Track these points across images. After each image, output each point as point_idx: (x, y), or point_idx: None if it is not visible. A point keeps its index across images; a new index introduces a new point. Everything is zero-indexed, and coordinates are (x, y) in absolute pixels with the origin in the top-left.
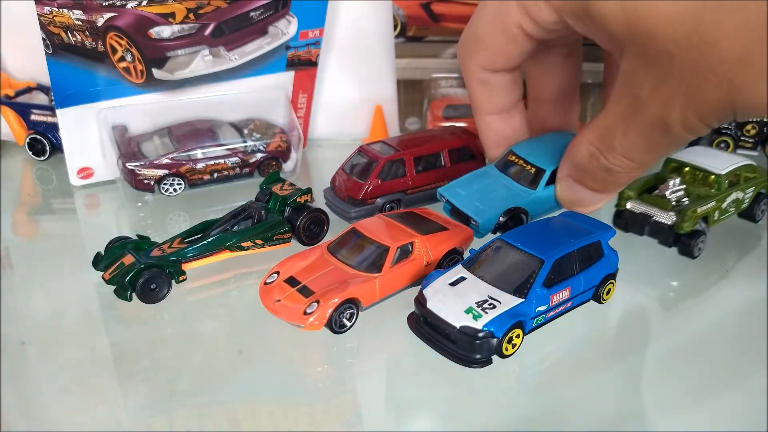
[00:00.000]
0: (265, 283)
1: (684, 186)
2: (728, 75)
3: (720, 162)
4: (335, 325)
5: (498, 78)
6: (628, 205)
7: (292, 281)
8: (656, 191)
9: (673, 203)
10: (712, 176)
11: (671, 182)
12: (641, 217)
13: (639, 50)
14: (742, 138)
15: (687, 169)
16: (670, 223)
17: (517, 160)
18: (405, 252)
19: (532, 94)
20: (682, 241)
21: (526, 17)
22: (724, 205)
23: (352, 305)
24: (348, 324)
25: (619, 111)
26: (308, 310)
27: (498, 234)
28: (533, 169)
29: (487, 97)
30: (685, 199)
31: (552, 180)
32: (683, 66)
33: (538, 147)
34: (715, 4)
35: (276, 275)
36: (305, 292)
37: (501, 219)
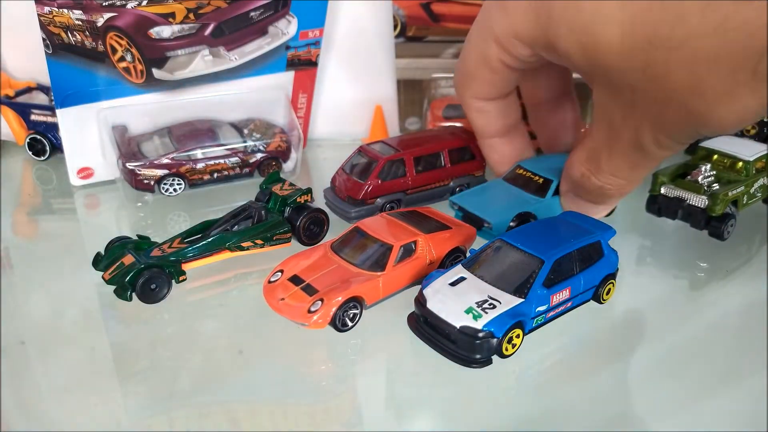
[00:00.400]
0: (269, 282)
1: (714, 172)
2: (684, 103)
3: (747, 149)
4: (339, 324)
5: (493, 105)
6: (663, 190)
7: (295, 279)
8: (689, 177)
9: (705, 188)
10: (740, 162)
11: (703, 168)
12: (675, 201)
13: (604, 82)
14: (742, 138)
15: (715, 156)
16: (703, 206)
17: (525, 173)
18: (408, 251)
19: (527, 100)
20: (713, 224)
21: (505, 53)
22: (752, 190)
23: (355, 303)
24: (350, 323)
25: (600, 136)
26: (312, 309)
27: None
28: (541, 179)
29: (486, 123)
30: (716, 184)
31: (558, 190)
32: (644, 95)
33: (544, 162)
34: (661, 40)
35: (280, 273)
36: (309, 290)
37: (511, 224)
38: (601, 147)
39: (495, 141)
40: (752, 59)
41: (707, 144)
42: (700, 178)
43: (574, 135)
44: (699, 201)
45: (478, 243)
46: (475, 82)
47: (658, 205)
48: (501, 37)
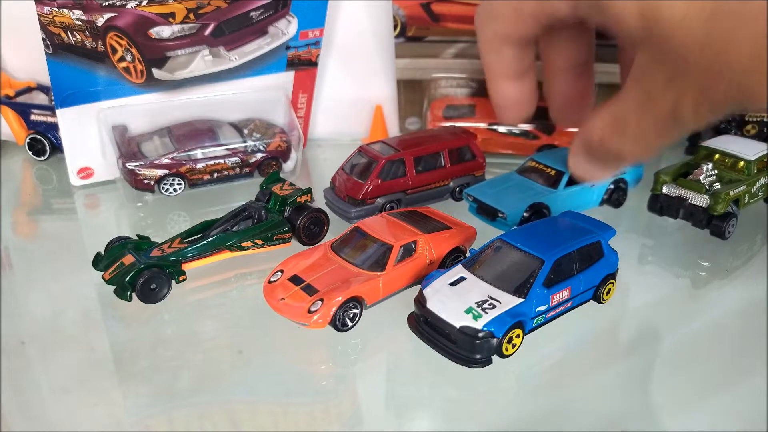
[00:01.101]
0: (269, 282)
1: (715, 171)
2: (737, 79)
3: (748, 149)
4: (339, 323)
5: (510, 48)
6: (664, 189)
7: (296, 279)
8: (690, 176)
9: (707, 187)
10: (742, 162)
11: (705, 167)
12: (677, 200)
13: (654, 49)
14: None
15: (717, 156)
16: (704, 205)
17: (537, 166)
18: (408, 250)
19: (546, 65)
20: (715, 223)
21: (541, 9)
22: (754, 189)
23: (355, 303)
24: (350, 323)
25: (633, 100)
26: (312, 308)
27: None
28: (553, 172)
29: (498, 63)
30: (717, 183)
31: (570, 182)
32: (695, 67)
33: (557, 154)
34: (727, 14)
35: (280, 273)
36: (309, 290)
37: (525, 214)
38: (631, 111)
39: (504, 83)
40: None
41: (709, 143)
42: (701, 178)
43: (589, 107)
44: (701, 200)
45: (480, 241)
46: (498, 24)
47: (659, 204)
48: None
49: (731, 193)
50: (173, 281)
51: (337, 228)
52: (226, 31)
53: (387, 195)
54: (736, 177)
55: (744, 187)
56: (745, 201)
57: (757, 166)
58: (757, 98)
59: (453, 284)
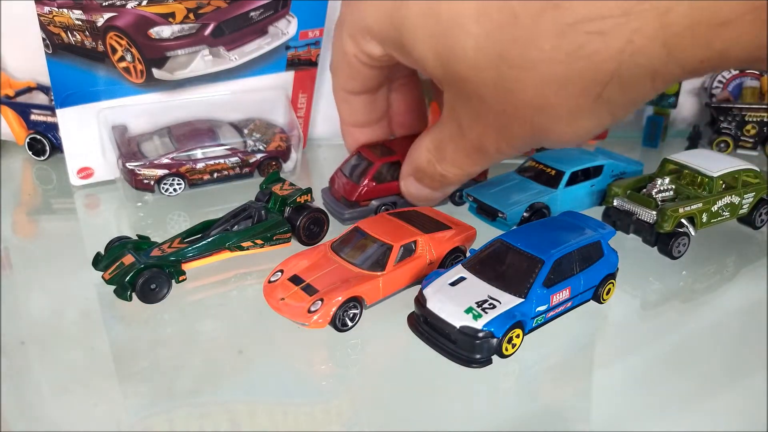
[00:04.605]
0: (269, 282)
1: (673, 186)
2: (529, 117)
3: (717, 164)
4: (339, 323)
5: (358, 98)
6: (615, 202)
7: (296, 279)
8: (644, 190)
9: (659, 202)
10: (701, 178)
11: (659, 181)
12: (625, 214)
13: (455, 89)
14: (742, 138)
15: (686, 171)
16: (651, 221)
17: (537, 165)
18: (408, 250)
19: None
20: (662, 240)
21: (359, 51)
22: (715, 208)
23: (355, 303)
24: (350, 323)
25: (448, 131)
26: (312, 308)
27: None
28: (553, 171)
29: (348, 112)
30: (675, 200)
31: (570, 182)
32: (493, 106)
33: (555, 156)
34: (512, 61)
35: (280, 273)
36: (309, 290)
37: (525, 214)
38: (446, 140)
39: (355, 130)
40: (598, 86)
41: (676, 157)
42: (654, 192)
43: (420, 116)
44: (648, 216)
45: (480, 241)
46: (339, 74)
47: (612, 218)
48: (354, 32)
49: (680, 210)
50: (173, 281)
51: (337, 228)
52: (226, 31)
53: (382, 197)
54: (695, 194)
55: (699, 205)
56: (704, 220)
57: (730, 184)
58: (549, 136)
59: (453, 284)
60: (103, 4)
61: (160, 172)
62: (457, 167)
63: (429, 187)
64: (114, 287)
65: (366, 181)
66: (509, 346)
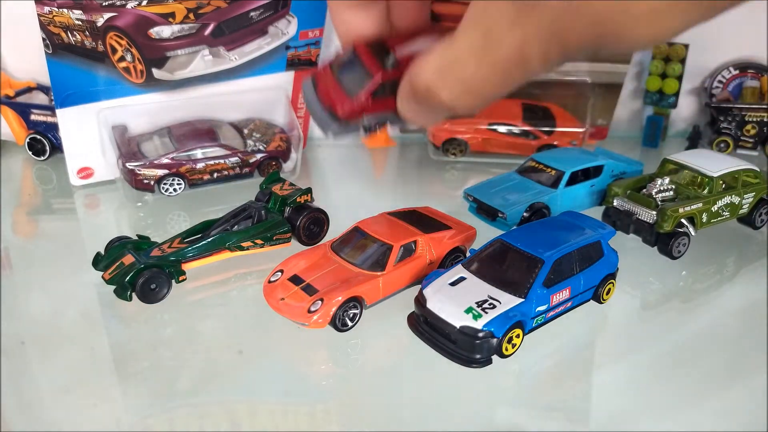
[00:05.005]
0: (269, 282)
1: (673, 186)
2: (599, 15)
3: (717, 164)
4: (339, 323)
5: None
6: (615, 202)
7: (296, 279)
8: (644, 190)
9: (659, 202)
10: (701, 178)
11: (659, 181)
12: (625, 214)
13: None
14: (742, 138)
15: (686, 171)
16: (651, 221)
17: (537, 165)
18: (408, 250)
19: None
20: (662, 240)
21: None
22: (715, 208)
23: (355, 303)
24: (350, 323)
25: (468, 44)
26: (312, 308)
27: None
28: (553, 171)
29: None
30: (675, 200)
31: (571, 182)
32: (551, 5)
33: (555, 156)
34: None
35: (280, 273)
36: (309, 290)
37: (525, 214)
38: (466, 57)
39: (346, 10)
40: None
41: (676, 157)
42: (653, 192)
43: (423, 6)
44: (648, 216)
45: (480, 241)
46: None
47: (611, 218)
48: None
49: (680, 210)
50: (173, 281)
51: (337, 228)
52: (226, 31)
53: (375, 114)
54: (695, 194)
55: (699, 205)
56: (704, 220)
57: (730, 184)
58: (622, 39)
59: (453, 284)
60: (103, 4)
61: (160, 172)
62: (471, 93)
63: (430, 116)
64: (114, 287)
65: (362, 97)
66: (509, 346)
